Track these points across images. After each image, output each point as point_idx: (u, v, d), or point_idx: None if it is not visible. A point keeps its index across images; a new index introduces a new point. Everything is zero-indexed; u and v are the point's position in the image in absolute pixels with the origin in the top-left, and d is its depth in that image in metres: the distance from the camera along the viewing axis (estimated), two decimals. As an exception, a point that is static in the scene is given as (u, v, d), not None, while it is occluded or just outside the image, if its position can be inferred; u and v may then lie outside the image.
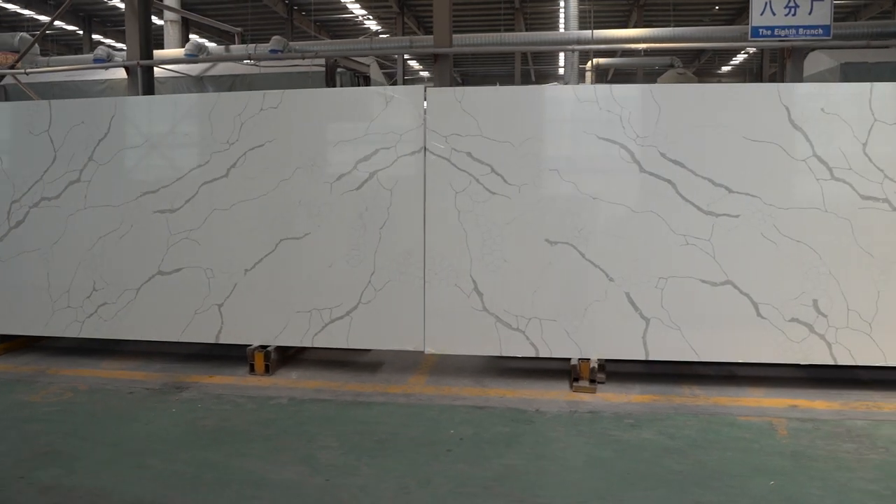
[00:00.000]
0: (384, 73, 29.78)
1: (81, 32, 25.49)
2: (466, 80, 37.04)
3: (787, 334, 5.24)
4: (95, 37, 25.69)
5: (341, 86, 15.89)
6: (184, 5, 24.56)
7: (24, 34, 16.71)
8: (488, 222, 5.44)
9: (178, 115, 5.84)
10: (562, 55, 23.21)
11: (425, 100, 5.50)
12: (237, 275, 5.73)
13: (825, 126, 5.18)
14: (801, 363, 5.28)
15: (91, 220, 5.89)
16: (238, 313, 5.75)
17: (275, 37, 17.53)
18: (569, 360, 5.41)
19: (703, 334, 5.31)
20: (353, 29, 28.98)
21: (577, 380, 5.33)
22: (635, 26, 23.42)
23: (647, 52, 23.92)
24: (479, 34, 18.61)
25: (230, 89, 15.79)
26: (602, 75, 31.81)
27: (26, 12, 22.53)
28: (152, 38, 12.03)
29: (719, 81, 32.32)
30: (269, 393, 5.29)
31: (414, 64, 33.70)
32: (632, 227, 5.33)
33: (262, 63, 16.34)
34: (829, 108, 5.18)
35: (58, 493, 3.74)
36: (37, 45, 17.93)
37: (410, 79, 36.66)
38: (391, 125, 5.52)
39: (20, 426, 4.66)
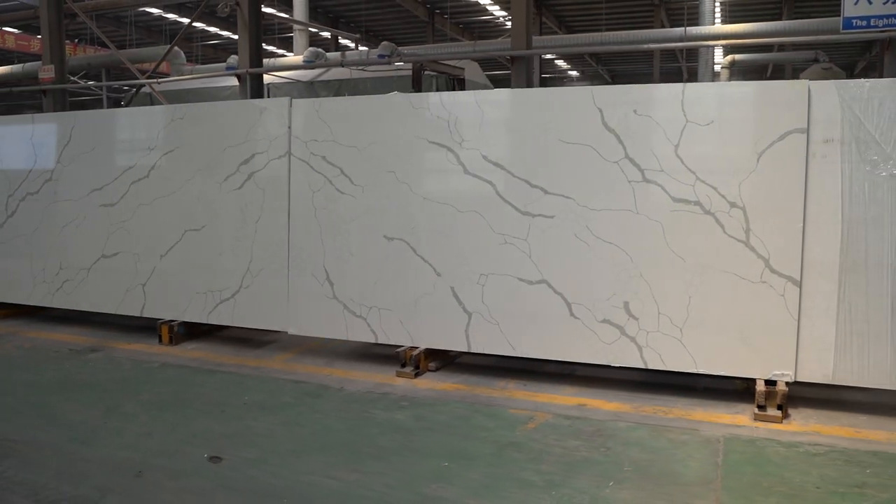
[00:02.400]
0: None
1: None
2: (616, 79, 36.32)
3: (598, 335, 5.29)
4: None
5: (437, 89, 16.74)
6: (330, 11, 26.92)
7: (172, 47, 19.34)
8: (338, 219, 6.02)
9: (117, 125, 7.03)
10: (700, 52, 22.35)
11: (291, 109, 6.20)
12: (155, 259, 6.79)
13: (637, 128, 5.17)
14: (613, 365, 5.31)
15: (59, 212, 7.26)
16: (156, 292, 6.81)
17: (383, 42, 18.77)
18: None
19: (520, 330, 5.50)
20: (494, 30, 29.63)
21: (403, 365, 5.76)
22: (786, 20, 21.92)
23: (794, 47, 22.30)
24: (563, 35, 18.59)
25: (337, 93, 17.09)
26: (760, 71, 29.81)
27: (198, 24, 25.89)
28: (262, 48, 13.25)
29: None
30: (154, 359, 6.28)
31: (561, 63, 33.70)
32: (457, 225, 5.65)
33: (370, 68, 17.65)
34: (642, 109, 5.16)
35: (-85, 417, 4.98)
36: (183, 55, 20.80)
37: (558, 77, 36.83)
38: (264, 132, 6.28)
39: (-57, 370, 6.05)
